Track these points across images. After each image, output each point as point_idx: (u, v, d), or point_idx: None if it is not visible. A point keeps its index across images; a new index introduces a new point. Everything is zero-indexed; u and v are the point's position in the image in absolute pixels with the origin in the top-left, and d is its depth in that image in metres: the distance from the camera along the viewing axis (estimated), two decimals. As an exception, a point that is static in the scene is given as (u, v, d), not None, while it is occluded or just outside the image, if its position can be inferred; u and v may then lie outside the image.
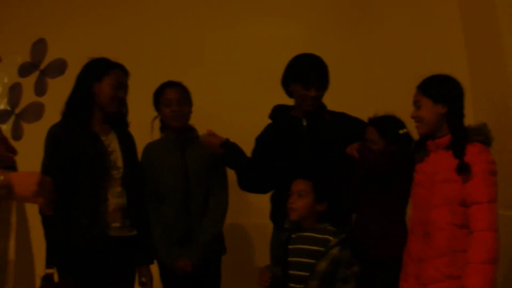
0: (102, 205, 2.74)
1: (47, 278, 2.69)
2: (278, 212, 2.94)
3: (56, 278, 2.69)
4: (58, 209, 2.57)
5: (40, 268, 2.69)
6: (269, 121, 3.12)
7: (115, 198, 2.79)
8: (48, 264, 2.68)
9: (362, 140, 2.84)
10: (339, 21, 4.06)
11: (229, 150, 2.95)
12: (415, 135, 2.70)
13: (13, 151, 1.97)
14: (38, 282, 2.69)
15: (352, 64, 3.85)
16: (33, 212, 2.65)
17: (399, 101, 2.81)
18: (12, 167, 1.95)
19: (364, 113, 3.02)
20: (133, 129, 3.02)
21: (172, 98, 3.14)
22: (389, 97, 3.57)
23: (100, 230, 2.71)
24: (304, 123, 2.98)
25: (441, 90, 2.52)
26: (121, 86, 2.87)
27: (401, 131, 2.79)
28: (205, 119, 3.27)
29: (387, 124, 2.84)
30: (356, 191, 2.87)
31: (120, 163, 2.84)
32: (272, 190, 3.07)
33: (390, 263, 2.69)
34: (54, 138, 2.73)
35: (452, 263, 2.36)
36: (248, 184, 3.07)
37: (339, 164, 2.87)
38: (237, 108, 4.06)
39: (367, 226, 2.79)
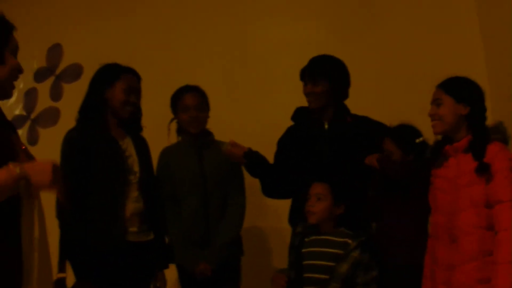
0: (120, 210, 2.73)
1: (59, 282, 2.69)
2: (298, 215, 2.90)
3: (68, 282, 2.69)
4: (75, 213, 2.61)
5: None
6: (286, 123, 3.10)
7: (132, 202, 2.79)
8: (61, 269, 2.68)
9: (381, 146, 2.82)
10: (350, 22, 4.01)
11: (253, 159, 2.94)
12: (430, 139, 2.67)
13: (33, 159, 1.98)
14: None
15: (364, 64, 3.80)
16: (48, 217, 2.66)
17: (414, 103, 2.78)
18: None
19: (375, 115, 3.02)
20: (149, 131, 3.01)
21: (190, 104, 3.12)
22: (404, 98, 3.57)
23: (118, 235, 2.71)
24: (326, 126, 2.95)
25: (464, 90, 2.48)
26: (133, 90, 2.87)
27: (417, 140, 2.77)
28: (217, 121, 3.25)
29: (404, 134, 2.82)
30: (376, 199, 2.84)
31: (136, 167, 2.84)
32: (295, 195, 3.02)
33: (415, 269, 2.65)
34: (71, 143, 2.74)
35: (483, 267, 2.31)
36: (273, 191, 3.06)
37: (359, 168, 2.83)
38: (248, 110, 4.05)
39: (391, 233, 2.75)
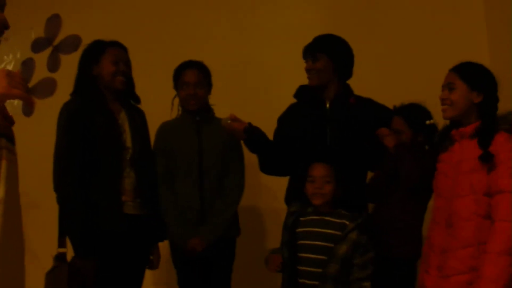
0: (117, 184, 2.74)
1: (60, 257, 2.68)
2: (294, 195, 2.87)
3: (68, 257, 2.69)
4: (73, 187, 2.61)
5: (48, 248, 2.68)
6: (287, 102, 3.07)
7: (126, 178, 2.78)
8: (61, 243, 2.68)
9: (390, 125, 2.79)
10: (353, 7, 3.96)
11: (253, 135, 2.89)
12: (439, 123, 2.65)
13: (11, 121, 1.89)
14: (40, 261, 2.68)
15: (369, 49, 3.77)
16: (43, 190, 2.64)
17: (416, 90, 2.75)
18: (8, 136, 1.87)
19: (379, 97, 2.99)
20: (155, 107, 3.00)
21: (189, 81, 3.09)
22: (406, 85, 3.54)
23: (117, 209, 2.71)
24: (327, 105, 2.92)
25: (479, 78, 2.43)
26: (121, 61, 2.86)
27: (428, 122, 2.73)
28: (220, 99, 3.22)
29: (415, 113, 2.78)
30: (381, 180, 2.83)
31: (129, 143, 2.83)
32: (293, 173, 3.00)
33: (412, 261, 2.69)
34: (69, 114, 2.71)
35: (477, 255, 2.30)
36: (271, 168, 3.02)
37: (359, 149, 2.82)
38: (251, 90, 4.02)
39: (390, 222, 2.75)
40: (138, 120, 2.94)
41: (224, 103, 3.12)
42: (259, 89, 4.01)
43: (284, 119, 3.03)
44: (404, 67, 3.68)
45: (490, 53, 3.51)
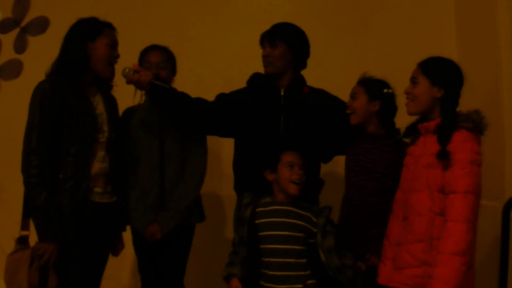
0: (86, 169, 2.68)
1: (21, 240, 2.65)
2: (247, 185, 2.90)
3: (30, 241, 2.65)
4: (41, 169, 2.54)
5: (12, 231, 2.66)
6: None
7: (98, 162, 2.73)
8: (24, 226, 2.64)
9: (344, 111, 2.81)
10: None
11: (156, 87, 2.81)
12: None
13: None
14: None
15: (342, 43, 3.79)
16: (8, 173, 2.60)
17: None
18: None
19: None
20: (127, 95, 2.97)
21: (152, 61, 3.04)
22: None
23: (82, 195, 2.65)
24: (282, 93, 2.95)
25: (441, 73, 2.45)
26: (116, 45, 2.81)
27: (385, 90, 2.74)
28: (192, 87, 3.18)
29: (373, 81, 2.79)
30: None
31: (105, 126, 2.78)
32: (206, 134, 3.09)
33: None
34: (44, 95, 2.60)
35: (429, 250, 2.33)
36: (181, 121, 2.98)
37: (312, 137, 2.88)
38: (225, 79, 3.97)
39: (367, 228, 2.71)
40: (112, 104, 2.91)
41: (197, 89, 3.09)
42: (230, 75, 3.99)
43: (231, 99, 3.02)
44: (375, 57, 3.75)
45: (458, 48, 3.57)
